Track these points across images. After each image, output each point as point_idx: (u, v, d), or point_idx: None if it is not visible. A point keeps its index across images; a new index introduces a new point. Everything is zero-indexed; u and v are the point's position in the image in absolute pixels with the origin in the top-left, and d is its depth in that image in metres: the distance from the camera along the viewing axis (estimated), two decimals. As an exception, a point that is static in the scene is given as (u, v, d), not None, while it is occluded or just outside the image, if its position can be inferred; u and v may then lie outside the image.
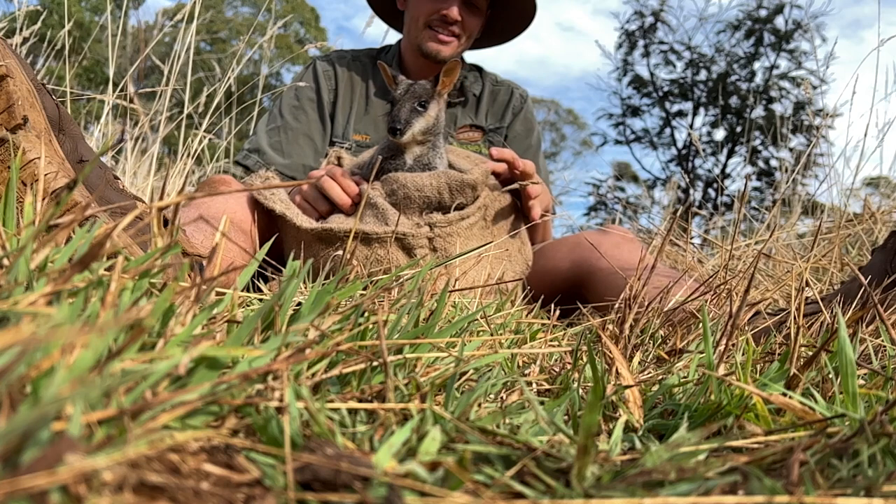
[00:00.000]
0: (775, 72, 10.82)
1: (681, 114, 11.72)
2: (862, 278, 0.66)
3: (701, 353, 0.61)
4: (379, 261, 1.21)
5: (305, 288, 0.82)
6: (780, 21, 10.69)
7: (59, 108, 0.78)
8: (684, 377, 0.55)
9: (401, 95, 1.32)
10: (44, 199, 0.67)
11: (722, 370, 0.52)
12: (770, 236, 1.89)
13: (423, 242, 1.23)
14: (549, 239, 1.60)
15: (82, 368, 0.29)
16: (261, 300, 0.70)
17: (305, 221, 1.26)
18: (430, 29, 1.66)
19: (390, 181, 1.27)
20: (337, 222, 1.25)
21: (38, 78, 0.77)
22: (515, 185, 1.36)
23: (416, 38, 1.67)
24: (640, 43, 11.41)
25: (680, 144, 11.57)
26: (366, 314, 0.51)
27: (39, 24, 1.97)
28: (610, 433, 0.43)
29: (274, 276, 1.05)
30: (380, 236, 1.21)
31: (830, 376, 0.51)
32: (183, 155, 2.28)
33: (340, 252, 1.20)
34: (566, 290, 1.39)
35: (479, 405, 0.46)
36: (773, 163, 10.47)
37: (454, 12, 1.62)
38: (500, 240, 1.34)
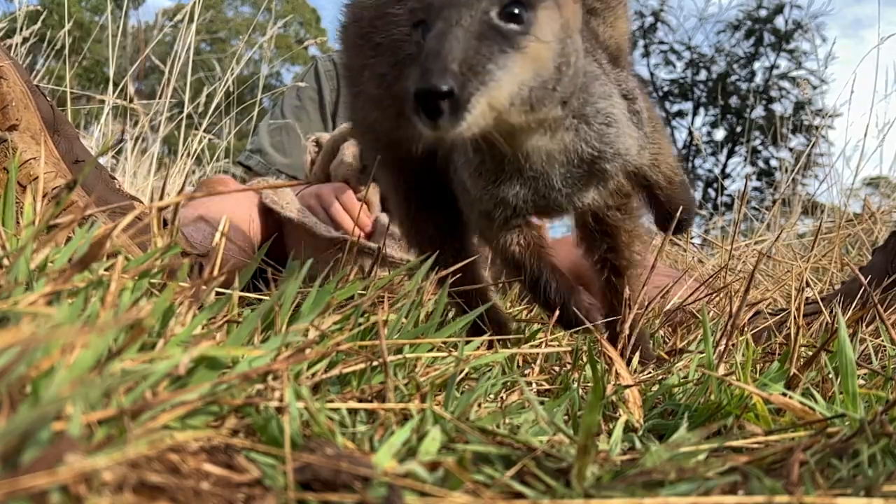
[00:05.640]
0: (775, 72, 10.81)
1: (681, 114, 11.70)
2: (862, 278, 0.66)
3: (701, 353, 0.60)
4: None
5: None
6: (780, 21, 10.67)
7: (54, 109, 0.78)
8: (684, 377, 0.55)
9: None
10: (42, 199, 0.67)
11: (722, 370, 0.52)
12: (776, 239, 1.88)
13: None
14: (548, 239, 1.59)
15: (82, 368, 0.29)
16: (261, 300, 0.70)
17: (324, 230, 1.26)
18: None
19: None
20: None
21: (32, 80, 0.77)
22: None
23: None
24: (640, 43, 11.39)
25: (680, 144, 11.55)
26: (366, 314, 0.51)
27: (39, 24, 1.97)
28: (610, 433, 0.42)
29: (275, 276, 1.05)
30: (399, 262, 1.21)
31: (830, 376, 0.51)
32: (183, 155, 2.28)
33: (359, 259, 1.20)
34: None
35: (479, 405, 0.46)
36: (773, 163, 10.46)
37: None
38: None
